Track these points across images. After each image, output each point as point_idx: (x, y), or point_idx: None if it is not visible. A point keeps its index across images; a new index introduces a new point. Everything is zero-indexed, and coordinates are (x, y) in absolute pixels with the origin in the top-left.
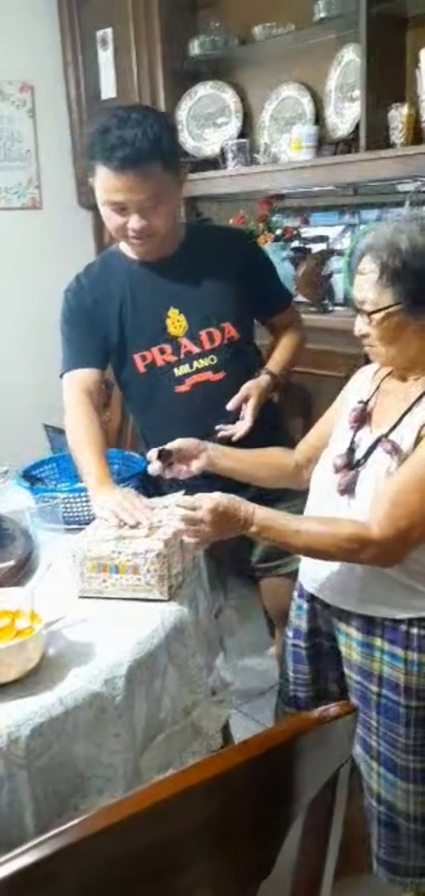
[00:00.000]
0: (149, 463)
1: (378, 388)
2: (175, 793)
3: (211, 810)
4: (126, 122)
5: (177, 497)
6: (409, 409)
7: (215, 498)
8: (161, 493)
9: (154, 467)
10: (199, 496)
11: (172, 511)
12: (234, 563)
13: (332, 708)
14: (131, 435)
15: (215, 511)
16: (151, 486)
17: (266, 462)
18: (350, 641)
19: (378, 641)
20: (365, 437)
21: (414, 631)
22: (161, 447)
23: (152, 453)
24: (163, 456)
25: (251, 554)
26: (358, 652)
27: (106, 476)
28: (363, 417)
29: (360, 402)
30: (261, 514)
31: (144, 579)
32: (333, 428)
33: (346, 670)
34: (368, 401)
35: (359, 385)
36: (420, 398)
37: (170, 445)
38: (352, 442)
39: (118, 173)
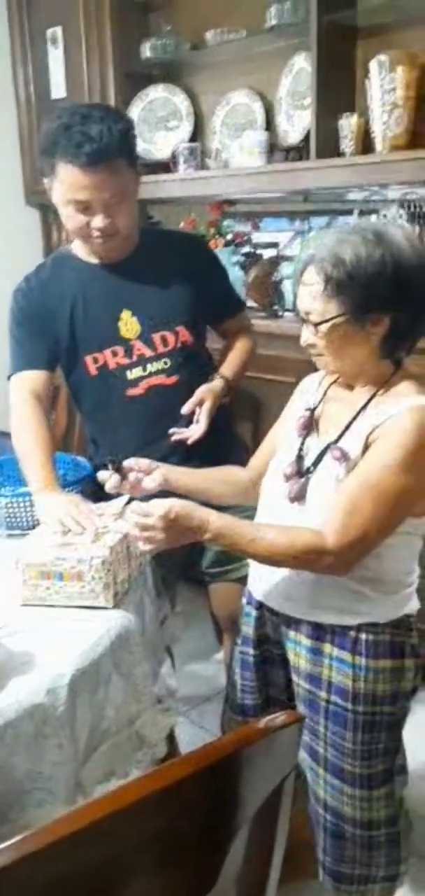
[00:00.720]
0: (103, 482)
1: (324, 395)
2: (119, 809)
3: (156, 825)
4: (89, 119)
5: (123, 501)
6: (356, 416)
7: (168, 504)
8: (107, 498)
9: (112, 482)
10: (153, 502)
11: (118, 516)
12: (183, 568)
13: (278, 717)
14: (78, 438)
15: (167, 517)
16: (98, 491)
17: (220, 479)
18: (298, 648)
19: (327, 647)
20: (314, 445)
21: (363, 636)
22: (114, 462)
23: (104, 474)
24: (119, 470)
25: (201, 558)
26: (306, 659)
27: (51, 480)
28: (310, 425)
29: (307, 409)
30: (217, 521)
31: (89, 587)
32: (281, 436)
33: (294, 677)
34: (315, 408)
35: (306, 393)
36: (366, 405)
37: (125, 463)
38: (300, 449)
39: (84, 170)
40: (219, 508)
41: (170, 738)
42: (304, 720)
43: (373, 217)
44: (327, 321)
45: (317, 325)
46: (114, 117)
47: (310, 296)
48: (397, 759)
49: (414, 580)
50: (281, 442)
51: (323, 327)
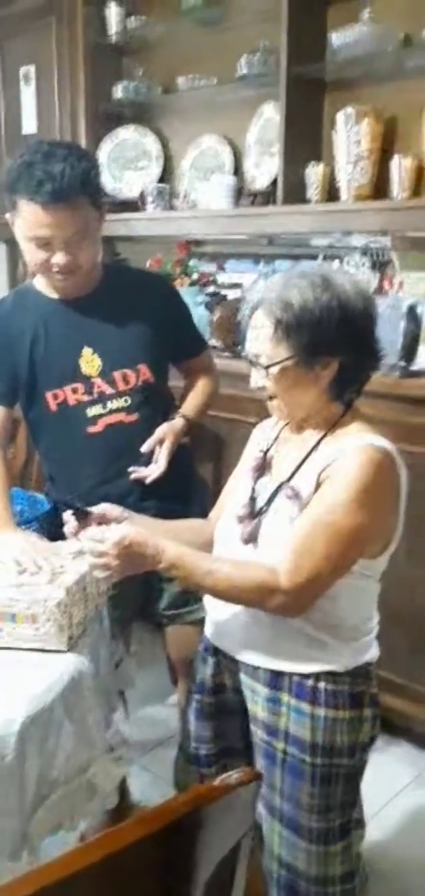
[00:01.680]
0: (64, 523)
1: (277, 437)
2: (65, 876)
3: (105, 892)
4: (51, 157)
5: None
6: (307, 456)
7: (122, 531)
8: (65, 537)
9: (70, 528)
10: (107, 529)
11: (76, 556)
12: (139, 609)
13: (235, 775)
14: (37, 474)
15: (120, 545)
16: (55, 529)
17: (186, 530)
18: (256, 697)
19: (285, 697)
20: (266, 486)
21: (321, 686)
22: (78, 508)
23: (68, 515)
24: (79, 516)
25: (158, 600)
26: (264, 708)
27: (7, 517)
28: (263, 466)
29: (261, 451)
30: (171, 551)
31: (43, 629)
32: (235, 480)
33: (252, 727)
34: (268, 450)
35: (260, 437)
36: (317, 445)
37: (95, 509)
38: (253, 491)
39: (45, 208)
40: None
41: (122, 787)
42: (262, 777)
43: (336, 263)
44: (276, 364)
45: (266, 367)
46: (76, 155)
47: (258, 339)
48: (354, 813)
49: (373, 627)
50: (235, 484)
51: (273, 370)
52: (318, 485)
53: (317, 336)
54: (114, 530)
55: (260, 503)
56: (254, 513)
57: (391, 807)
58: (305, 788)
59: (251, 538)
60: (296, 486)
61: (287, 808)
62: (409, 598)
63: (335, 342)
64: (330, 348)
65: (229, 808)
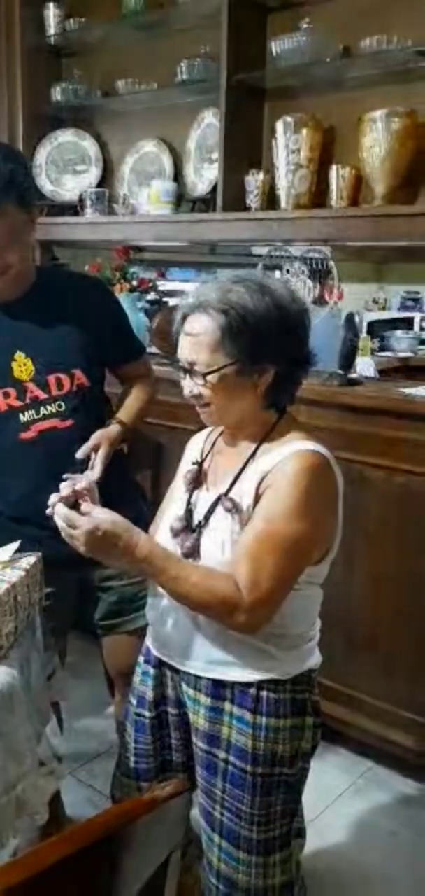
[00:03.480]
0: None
1: (212, 448)
2: None
3: None
4: None
5: (12, 549)
6: (245, 466)
7: (96, 520)
8: None
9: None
10: (84, 512)
11: (6, 565)
12: (74, 619)
13: (165, 787)
14: None
15: (93, 534)
16: None
17: None
18: (198, 707)
19: (227, 706)
20: (202, 498)
21: (264, 694)
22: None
23: (54, 497)
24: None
25: (94, 610)
26: (206, 718)
27: None
28: (198, 478)
29: (195, 462)
30: (143, 548)
31: None
32: (169, 492)
33: (193, 738)
34: (203, 461)
35: (194, 448)
36: (254, 454)
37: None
38: (189, 503)
39: None
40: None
41: (55, 802)
42: (192, 789)
43: (277, 273)
44: (215, 371)
45: (204, 375)
46: (3, 156)
47: (194, 345)
48: (294, 822)
49: (315, 633)
50: (168, 496)
51: (212, 378)
52: (258, 496)
53: (257, 342)
54: (88, 518)
55: (197, 516)
56: (191, 526)
57: (329, 813)
58: (246, 799)
59: (191, 553)
60: (235, 498)
61: (227, 820)
62: (345, 603)
63: (274, 348)
64: (268, 355)
65: (158, 822)
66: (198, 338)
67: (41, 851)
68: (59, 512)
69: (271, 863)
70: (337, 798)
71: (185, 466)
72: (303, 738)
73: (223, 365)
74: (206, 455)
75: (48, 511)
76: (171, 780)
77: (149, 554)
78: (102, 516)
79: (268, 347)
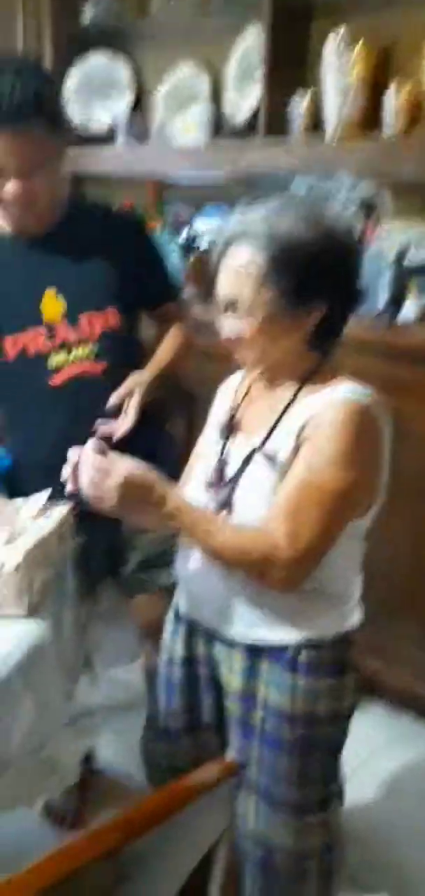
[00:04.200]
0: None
1: (245, 395)
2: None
3: None
4: (1, 74)
5: (43, 498)
6: (283, 414)
7: (129, 467)
8: (24, 494)
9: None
10: (112, 458)
11: (37, 516)
12: (106, 569)
13: (212, 769)
14: None
15: (127, 483)
16: (16, 488)
17: None
18: (232, 668)
19: (263, 665)
20: (237, 448)
21: (303, 654)
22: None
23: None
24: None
25: (125, 563)
26: (240, 678)
27: None
28: (232, 428)
29: (228, 411)
30: (173, 502)
31: (0, 593)
32: (199, 443)
33: (226, 700)
34: (236, 409)
35: (225, 396)
36: (291, 402)
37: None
38: (222, 454)
39: None
40: None
41: (88, 758)
42: (241, 769)
43: None
44: (259, 308)
45: (248, 312)
46: (29, 72)
47: (237, 279)
48: (333, 784)
49: (357, 590)
50: (201, 447)
51: (256, 316)
52: (298, 445)
53: (308, 276)
54: (121, 463)
55: (231, 468)
56: (224, 479)
57: (365, 768)
58: (283, 760)
59: (224, 505)
60: (272, 448)
61: (264, 781)
62: (385, 556)
63: (325, 284)
64: (318, 291)
65: (204, 808)
66: (242, 271)
67: (73, 850)
68: (87, 460)
69: (309, 824)
70: (375, 752)
71: (217, 415)
72: (343, 699)
73: (270, 301)
74: (240, 402)
75: (64, 478)
76: (218, 761)
77: (178, 507)
78: (131, 465)
79: (319, 283)
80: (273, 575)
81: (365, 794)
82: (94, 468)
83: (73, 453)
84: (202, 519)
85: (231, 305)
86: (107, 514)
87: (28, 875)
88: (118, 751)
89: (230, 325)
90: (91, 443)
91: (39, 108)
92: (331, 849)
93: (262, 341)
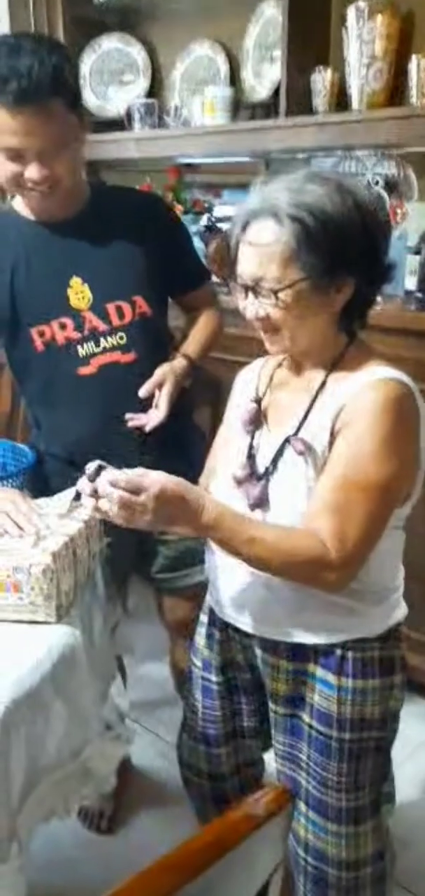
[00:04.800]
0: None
1: (270, 382)
2: None
3: None
4: (18, 51)
5: (69, 496)
6: (314, 401)
7: (162, 481)
8: (52, 493)
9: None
10: (142, 473)
11: (64, 515)
12: (133, 566)
13: (264, 798)
14: (22, 423)
15: (161, 498)
16: (40, 485)
17: None
18: (277, 672)
19: (310, 667)
20: (266, 440)
21: (349, 655)
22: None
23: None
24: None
25: (152, 562)
26: (286, 682)
27: None
28: (258, 418)
29: (253, 400)
30: (213, 510)
31: (28, 598)
32: (224, 437)
33: (271, 704)
34: (262, 398)
35: (245, 385)
36: (322, 387)
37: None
38: (251, 448)
39: (12, 112)
40: None
41: (123, 760)
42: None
43: None
44: (288, 287)
45: (276, 292)
46: (48, 49)
47: (262, 258)
48: (384, 787)
49: (400, 583)
50: (225, 442)
51: (285, 295)
52: (333, 434)
53: (338, 252)
54: (154, 479)
55: (262, 461)
56: (256, 473)
57: (410, 765)
58: (332, 766)
59: (261, 502)
60: (307, 440)
61: (313, 788)
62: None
63: (354, 259)
64: (348, 267)
65: (261, 840)
66: (266, 248)
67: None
68: (119, 483)
69: (362, 832)
70: (418, 749)
71: (238, 406)
72: (392, 698)
73: (298, 279)
74: (265, 390)
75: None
76: (271, 789)
77: (217, 518)
78: (163, 478)
79: (349, 258)
80: (324, 578)
81: (406, 793)
82: (125, 485)
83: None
84: (243, 526)
85: (256, 285)
86: (142, 529)
87: None
88: (150, 750)
89: (255, 307)
90: (94, 465)
91: (59, 86)
92: (383, 854)
93: (291, 322)
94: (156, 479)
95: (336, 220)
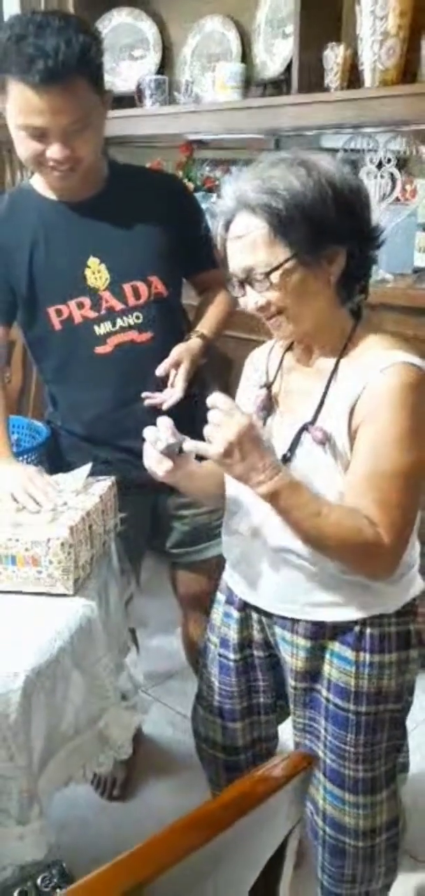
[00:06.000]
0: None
1: (280, 366)
2: None
3: None
4: (45, 30)
5: (85, 472)
6: (327, 387)
7: (253, 419)
8: (68, 468)
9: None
10: (234, 406)
11: (80, 491)
12: (147, 541)
13: (283, 763)
14: (35, 399)
15: (250, 432)
16: (57, 460)
17: (210, 478)
18: (296, 650)
19: (327, 644)
20: (278, 426)
21: (367, 631)
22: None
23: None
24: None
25: (167, 536)
26: (304, 658)
27: (4, 447)
28: (270, 403)
29: (263, 386)
30: (287, 474)
31: (46, 572)
32: None
33: (290, 680)
34: (272, 383)
35: (255, 369)
36: (334, 372)
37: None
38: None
39: (38, 91)
40: None
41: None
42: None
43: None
44: (277, 268)
45: (267, 274)
46: (75, 28)
47: (246, 248)
48: (400, 757)
49: (416, 558)
50: None
51: (276, 276)
52: (352, 423)
53: (316, 222)
54: (243, 416)
55: (277, 448)
56: None
57: (418, 735)
58: (349, 739)
59: None
60: (324, 427)
61: (330, 760)
62: None
63: (337, 227)
64: (333, 234)
65: (280, 803)
66: (248, 237)
67: (145, 852)
68: (219, 403)
69: (378, 801)
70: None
71: (247, 390)
72: (409, 671)
73: (286, 258)
74: (275, 375)
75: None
76: (289, 755)
77: (292, 483)
78: (251, 420)
79: (331, 226)
80: (377, 563)
81: (414, 762)
82: (221, 410)
83: (149, 433)
84: (310, 500)
85: (249, 275)
86: (218, 463)
87: (109, 874)
88: (160, 720)
89: (254, 298)
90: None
91: (85, 66)
92: (397, 822)
93: (291, 302)
94: (244, 417)
95: (307, 195)
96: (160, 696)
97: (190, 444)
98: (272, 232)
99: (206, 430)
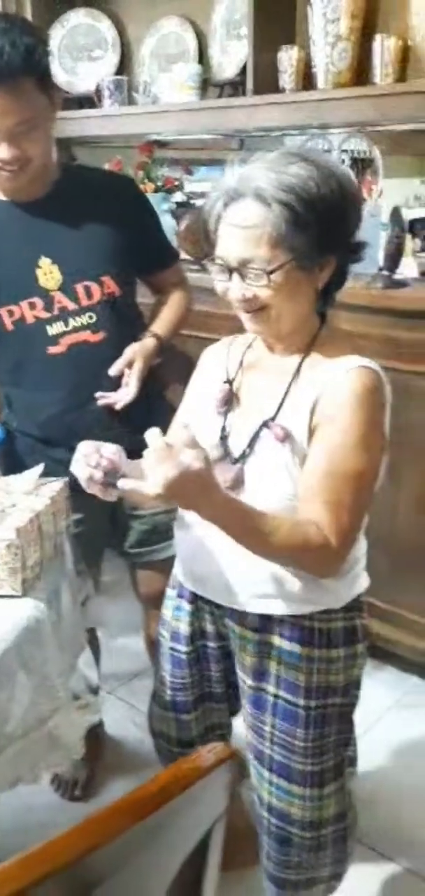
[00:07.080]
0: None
1: (241, 363)
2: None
3: None
4: None
5: (36, 474)
6: (289, 386)
7: (191, 455)
8: (18, 470)
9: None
10: (170, 441)
11: (30, 492)
12: (105, 544)
13: (206, 753)
14: None
15: (193, 474)
16: (13, 463)
17: None
18: (244, 643)
19: (276, 640)
20: (238, 422)
21: (315, 625)
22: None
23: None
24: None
25: (125, 536)
26: (253, 653)
27: None
28: (230, 399)
29: (226, 381)
30: (231, 507)
31: None
32: (192, 416)
33: (239, 673)
34: (233, 379)
35: (213, 364)
36: (298, 369)
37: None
38: (223, 429)
39: None
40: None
41: (97, 728)
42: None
43: None
44: (279, 268)
45: (269, 273)
46: (19, 30)
47: (249, 240)
48: (347, 751)
49: (363, 554)
50: (185, 420)
51: (276, 276)
52: (312, 422)
53: (325, 231)
54: (183, 453)
55: (236, 444)
56: (230, 455)
57: (375, 731)
58: (299, 733)
59: (235, 484)
60: (285, 425)
61: (277, 755)
62: (391, 519)
63: (339, 237)
64: (333, 245)
65: (198, 795)
66: (254, 230)
67: (61, 841)
68: (155, 443)
69: (325, 794)
70: (383, 716)
71: (204, 385)
72: (356, 666)
73: (287, 260)
74: (236, 371)
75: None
76: (216, 746)
77: (232, 511)
78: (192, 454)
79: (334, 236)
80: (329, 566)
81: (373, 757)
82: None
83: (85, 447)
84: (262, 521)
85: (243, 267)
86: (155, 500)
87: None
88: (126, 719)
89: (241, 289)
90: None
91: (31, 67)
92: (345, 815)
93: (280, 302)
94: (185, 453)
95: (323, 200)
96: (124, 697)
97: (125, 485)
98: (282, 231)
99: (144, 465)
